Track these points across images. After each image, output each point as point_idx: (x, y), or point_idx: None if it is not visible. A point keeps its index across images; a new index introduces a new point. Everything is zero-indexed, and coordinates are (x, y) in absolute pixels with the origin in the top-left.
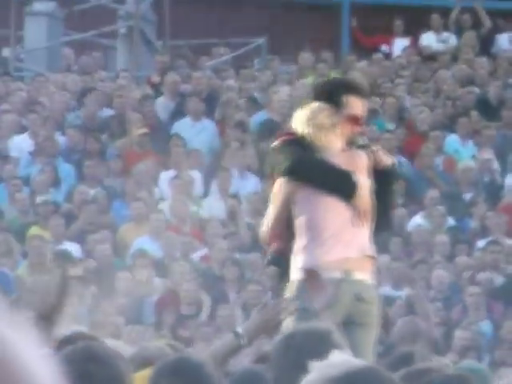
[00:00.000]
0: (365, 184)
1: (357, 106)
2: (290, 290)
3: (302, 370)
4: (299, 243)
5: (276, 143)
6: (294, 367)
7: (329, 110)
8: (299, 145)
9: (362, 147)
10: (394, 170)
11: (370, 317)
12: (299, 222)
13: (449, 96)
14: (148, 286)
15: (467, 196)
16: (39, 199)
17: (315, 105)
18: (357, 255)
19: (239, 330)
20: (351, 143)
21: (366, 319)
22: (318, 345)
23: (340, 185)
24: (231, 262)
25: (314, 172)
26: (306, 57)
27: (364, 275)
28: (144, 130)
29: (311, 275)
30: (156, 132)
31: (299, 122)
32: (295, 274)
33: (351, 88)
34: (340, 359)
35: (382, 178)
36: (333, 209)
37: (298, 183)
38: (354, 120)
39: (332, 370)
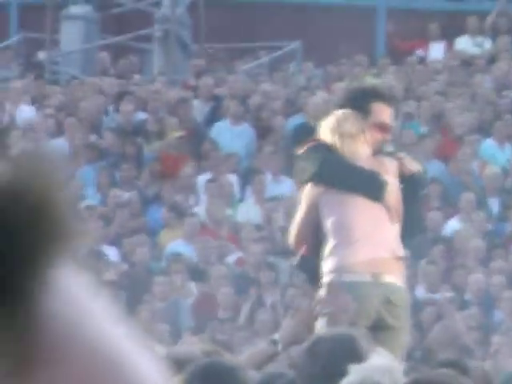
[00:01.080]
0: (394, 184)
1: (383, 113)
2: (321, 294)
3: (329, 376)
4: (328, 246)
5: (302, 150)
6: (320, 374)
7: (354, 118)
8: (326, 149)
9: (389, 154)
10: (421, 176)
11: (400, 320)
12: (328, 225)
13: (485, 100)
14: (183, 290)
15: (493, 201)
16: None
17: (341, 112)
18: (386, 256)
19: (276, 336)
20: (378, 151)
21: (395, 322)
22: (344, 351)
23: (368, 185)
24: (266, 266)
25: (341, 174)
26: (341, 61)
27: (393, 277)
28: (180, 133)
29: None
30: (192, 135)
31: (326, 130)
32: (326, 277)
33: (378, 95)
34: (380, 363)
35: (409, 184)
36: (361, 210)
37: (326, 186)
38: (381, 127)
39: (375, 374)
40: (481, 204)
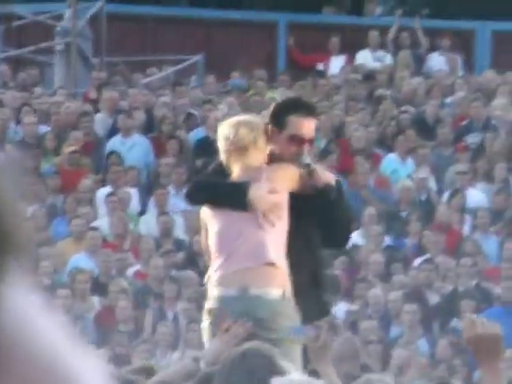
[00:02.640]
0: (270, 190)
1: (298, 125)
2: (206, 307)
3: None
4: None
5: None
6: None
7: (248, 126)
8: (214, 169)
9: (305, 167)
10: (336, 187)
11: (274, 332)
12: (209, 241)
13: (386, 115)
14: (86, 304)
15: (404, 215)
16: None
17: (226, 123)
18: (255, 266)
19: (198, 354)
20: (294, 163)
21: (270, 335)
22: (266, 365)
23: (230, 197)
24: (169, 280)
25: (205, 192)
26: (238, 75)
27: (262, 289)
28: (73, 148)
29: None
30: (94, 148)
31: (220, 138)
32: (208, 291)
33: (293, 108)
34: (300, 378)
35: (323, 195)
36: (228, 222)
37: (196, 205)
38: (295, 140)
39: None
40: (391, 218)
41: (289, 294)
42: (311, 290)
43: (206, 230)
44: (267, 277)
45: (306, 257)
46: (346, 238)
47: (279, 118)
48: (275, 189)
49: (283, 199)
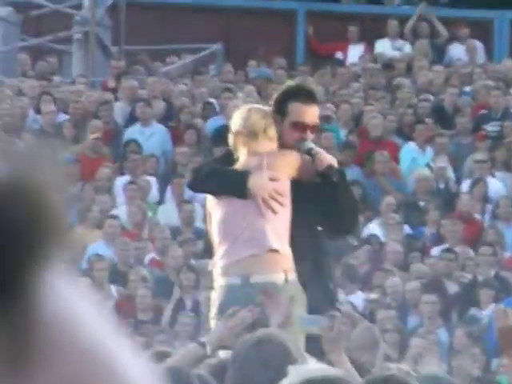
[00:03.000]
0: (271, 178)
1: (300, 112)
2: (212, 297)
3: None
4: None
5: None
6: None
7: (255, 115)
8: (222, 156)
9: (307, 152)
10: (339, 171)
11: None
12: (213, 229)
13: (404, 104)
14: (104, 292)
15: (422, 204)
16: None
17: (240, 111)
18: (258, 252)
19: (203, 339)
20: (297, 149)
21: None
22: (281, 354)
23: (230, 185)
24: (187, 268)
25: (207, 179)
26: (256, 64)
27: (266, 276)
28: (96, 135)
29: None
30: (113, 137)
31: (232, 122)
32: (214, 280)
33: (294, 95)
34: (318, 366)
35: (325, 179)
36: (231, 209)
37: (199, 193)
38: (297, 126)
39: (311, 373)
40: (409, 207)
41: (292, 278)
42: (315, 279)
43: (211, 217)
44: (270, 263)
45: (310, 244)
46: (352, 225)
47: (281, 105)
48: (276, 176)
49: (285, 186)
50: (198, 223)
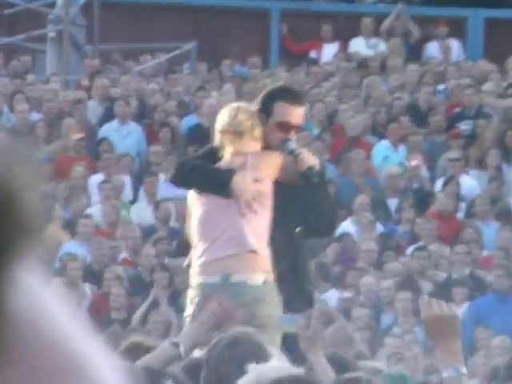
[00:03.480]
0: (254, 178)
1: (285, 112)
2: (190, 296)
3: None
4: (193, 247)
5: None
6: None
7: (242, 113)
8: (205, 152)
9: (290, 152)
10: (320, 172)
11: (257, 318)
12: (193, 226)
13: (379, 102)
14: (79, 291)
15: (392, 202)
16: None
17: (227, 109)
18: (238, 252)
19: (176, 339)
20: (280, 149)
21: (252, 322)
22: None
23: (213, 184)
24: (160, 268)
25: (191, 175)
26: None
27: (244, 276)
28: (80, 135)
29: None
30: (87, 136)
31: (218, 119)
32: (191, 278)
33: (280, 95)
34: (279, 365)
35: (305, 179)
36: (213, 208)
37: (181, 188)
38: (281, 126)
39: (272, 373)
40: (379, 205)
41: (271, 280)
42: (292, 279)
43: (191, 213)
44: (249, 264)
45: (288, 245)
46: (331, 226)
47: (266, 105)
48: (259, 177)
49: (267, 187)
50: (173, 222)
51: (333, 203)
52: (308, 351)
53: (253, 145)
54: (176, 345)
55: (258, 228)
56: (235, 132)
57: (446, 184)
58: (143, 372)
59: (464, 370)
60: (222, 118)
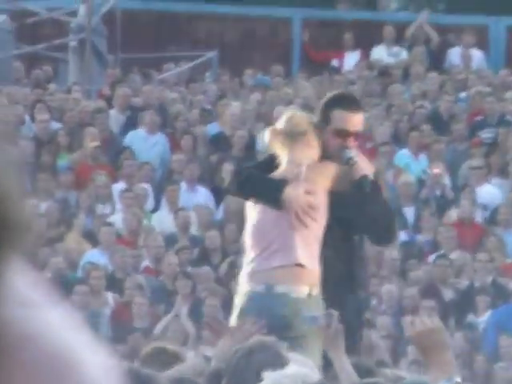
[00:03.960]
0: (306, 191)
1: (342, 119)
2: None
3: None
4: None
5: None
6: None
7: (299, 118)
8: (261, 161)
9: (348, 161)
10: (373, 181)
11: (295, 330)
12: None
13: (400, 110)
14: (101, 300)
15: (408, 211)
16: None
17: (286, 113)
18: (284, 264)
19: (208, 353)
20: (337, 157)
21: (291, 333)
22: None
23: (267, 195)
24: (183, 275)
25: (244, 185)
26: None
27: (289, 287)
28: (96, 143)
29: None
30: (108, 145)
31: (277, 123)
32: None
33: (337, 102)
34: (295, 371)
35: (358, 188)
36: (264, 218)
37: (236, 196)
38: (338, 134)
39: (286, 380)
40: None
41: (316, 293)
42: (346, 288)
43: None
44: (294, 276)
45: (342, 255)
46: (390, 234)
47: (325, 113)
48: (312, 189)
49: (320, 200)
50: (193, 231)
51: (390, 211)
52: (330, 350)
53: (306, 151)
54: (208, 359)
55: (308, 241)
56: (289, 133)
57: (464, 191)
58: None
59: (458, 379)
60: (280, 121)
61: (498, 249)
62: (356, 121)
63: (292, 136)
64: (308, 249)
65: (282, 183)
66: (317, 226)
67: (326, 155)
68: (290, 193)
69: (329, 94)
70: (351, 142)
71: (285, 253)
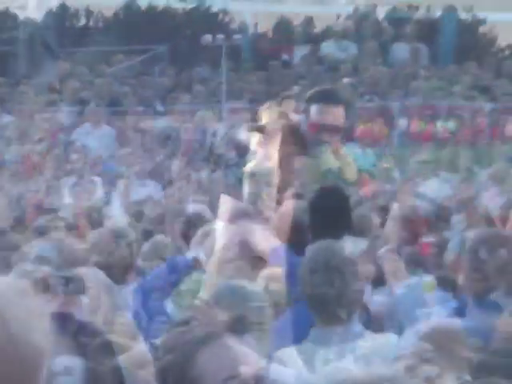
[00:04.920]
0: None
1: (319, 113)
2: None
3: None
4: None
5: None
6: None
7: (275, 115)
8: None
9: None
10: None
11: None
12: None
13: (350, 105)
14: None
15: None
16: None
17: (264, 109)
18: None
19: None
20: (313, 152)
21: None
22: None
23: None
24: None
25: None
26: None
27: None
28: (41, 136)
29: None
30: (57, 138)
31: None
32: None
33: (315, 97)
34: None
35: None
36: None
37: None
38: (314, 127)
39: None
40: None
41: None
42: None
43: None
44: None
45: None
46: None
47: (307, 110)
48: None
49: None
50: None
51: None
52: None
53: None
54: (155, 348)
55: None
56: (265, 130)
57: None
58: None
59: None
60: (259, 118)
61: None
62: (332, 114)
63: (268, 133)
64: None
65: None
66: None
67: (303, 149)
68: None
69: (309, 91)
70: (327, 136)
71: None
